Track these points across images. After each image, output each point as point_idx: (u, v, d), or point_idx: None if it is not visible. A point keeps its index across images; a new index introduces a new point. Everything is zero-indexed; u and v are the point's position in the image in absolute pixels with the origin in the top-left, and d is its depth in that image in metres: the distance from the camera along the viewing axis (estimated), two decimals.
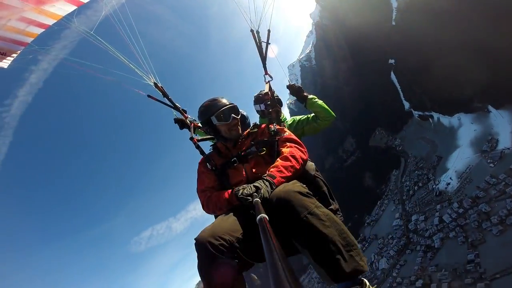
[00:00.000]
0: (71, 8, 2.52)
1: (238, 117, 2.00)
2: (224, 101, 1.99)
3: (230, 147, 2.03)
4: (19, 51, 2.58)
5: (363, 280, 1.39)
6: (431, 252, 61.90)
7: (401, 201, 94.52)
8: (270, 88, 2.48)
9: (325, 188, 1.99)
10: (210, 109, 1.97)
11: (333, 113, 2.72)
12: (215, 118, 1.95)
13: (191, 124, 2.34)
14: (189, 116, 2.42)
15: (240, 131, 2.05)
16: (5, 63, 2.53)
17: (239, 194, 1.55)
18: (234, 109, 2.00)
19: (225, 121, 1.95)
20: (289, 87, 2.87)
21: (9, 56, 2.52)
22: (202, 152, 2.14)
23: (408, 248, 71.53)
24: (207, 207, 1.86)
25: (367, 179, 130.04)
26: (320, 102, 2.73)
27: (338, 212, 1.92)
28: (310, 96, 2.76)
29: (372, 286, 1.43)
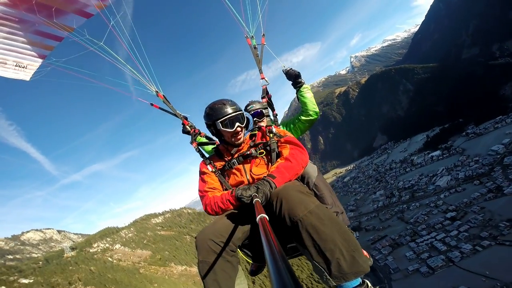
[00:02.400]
0: (81, 20, 2.63)
1: (243, 125, 1.99)
2: (232, 107, 1.96)
3: (231, 150, 2.07)
4: (39, 64, 2.67)
5: (365, 281, 1.38)
6: (495, 194, 63.01)
7: None
8: (267, 92, 2.46)
9: (326, 190, 2.02)
10: (216, 113, 1.96)
11: (318, 109, 2.72)
12: (220, 123, 1.95)
13: (192, 130, 2.41)
14: (190, 122, 2.50)
15: (243, 137, 2.05)
16: (27, 75, 2.63)
17: (239, 194, 1.58)
18: (240, 117, 1.97)
19: (229, 128, 1.95)
20: (286, 72, 2.75)
21: (30, 69, 2.62)
22: (202, 155, 2.20)
23: (479, 180, 72.17)
24: (208, 208, 1.89)
25: (508, 88, 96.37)
26: (311, 94, 2.72)
27: (341, 215, 1.95)
28: (306, 85, 2.72)
29: (375, 287, 1.40)
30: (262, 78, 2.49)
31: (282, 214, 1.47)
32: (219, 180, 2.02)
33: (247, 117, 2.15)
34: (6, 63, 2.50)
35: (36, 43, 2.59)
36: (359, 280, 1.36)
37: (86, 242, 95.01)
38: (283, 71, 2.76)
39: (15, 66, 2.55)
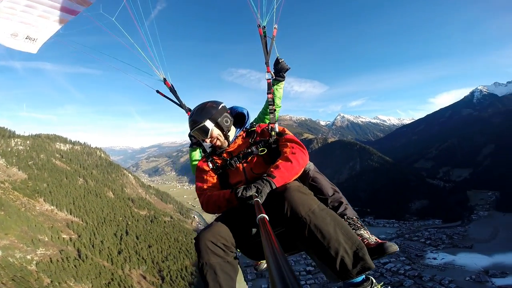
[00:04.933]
0: None
1: (205, 137, 1.94)
2: (191, 122, 1.95)
3: (227, 149, 2.04)
4: (49, 37, 2.65)
5: (369, 277, 1.41)
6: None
7: None
8: (271, 86, 2.41)
9: (325, 181, 2.05)
10: (188, 122, 1.98)
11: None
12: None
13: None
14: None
15: (224, 142, 2.01)
16: (36, 47, 2.62)
17: (239, 194, 1.56)
18: (199, 130, 1.93)
19: (196, 139, 2.00)
20: (280, 62, 2.69)
21: (39, 42, 2.61)
22: (203, 151, 2.19)
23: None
24: (206, 207, 1.88)
25: (417, 203, 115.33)
26: (283, 90, 2.80)
27: (347, 206, 1.95)
28: (284, 81, 2.76)
29: (379, 283, 1.42)
30: (268, 71, 2.47)
31: (284, 214, 1.46)
32: (218, 179, 2.02)
33: (242, 113, 2.17)
34: (17, 35, 2.48)
35: (51, 17, 2.53)
36: (363, 276, 1.39)
37: None
38: (277, 58, 2.76)
39: (25, 38, 2.53)
